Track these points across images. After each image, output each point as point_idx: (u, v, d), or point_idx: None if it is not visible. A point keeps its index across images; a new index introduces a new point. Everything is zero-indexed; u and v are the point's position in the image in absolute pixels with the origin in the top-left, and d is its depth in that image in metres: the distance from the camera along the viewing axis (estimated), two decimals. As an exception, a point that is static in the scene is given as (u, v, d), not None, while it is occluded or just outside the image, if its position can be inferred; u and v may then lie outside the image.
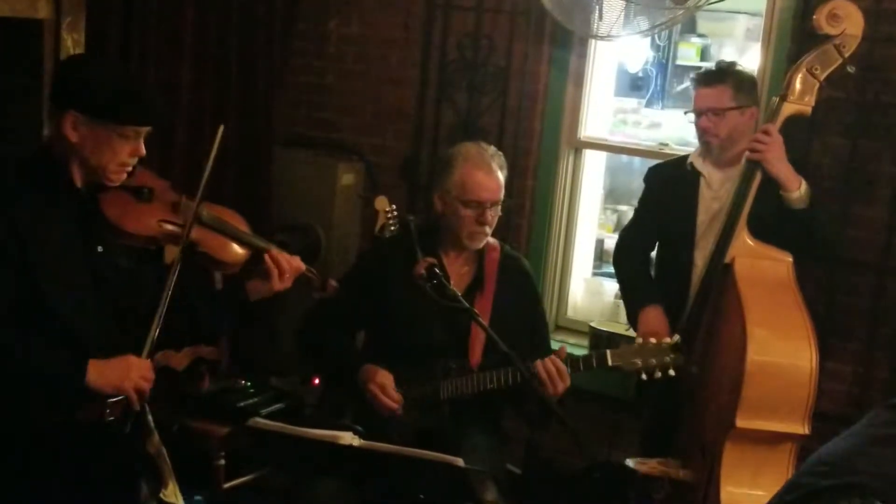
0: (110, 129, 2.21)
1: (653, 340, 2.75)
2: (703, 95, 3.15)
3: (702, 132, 3.17)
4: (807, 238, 2.97)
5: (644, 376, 2.75)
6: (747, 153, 2.95)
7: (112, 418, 2.29)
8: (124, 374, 2.23)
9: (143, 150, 2.29)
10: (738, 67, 3.20)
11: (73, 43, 3.52)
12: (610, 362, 2.75)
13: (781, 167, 2.91)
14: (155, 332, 2.31)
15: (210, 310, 2.56)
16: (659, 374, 2.73)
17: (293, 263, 2.54)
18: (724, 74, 3.15)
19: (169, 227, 2.40)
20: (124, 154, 2.25)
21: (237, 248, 2.52)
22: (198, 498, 3.66)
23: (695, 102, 3.19)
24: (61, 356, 2.21)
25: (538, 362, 2.73)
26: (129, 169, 2.30)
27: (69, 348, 2.22)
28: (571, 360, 2.78)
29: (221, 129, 2.52)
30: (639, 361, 2.72)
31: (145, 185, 2.39)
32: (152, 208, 2.40)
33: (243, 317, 2.62)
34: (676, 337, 2.78)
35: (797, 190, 2.92)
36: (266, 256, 2.51)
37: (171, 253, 2.45)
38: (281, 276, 2.51)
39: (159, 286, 2.34)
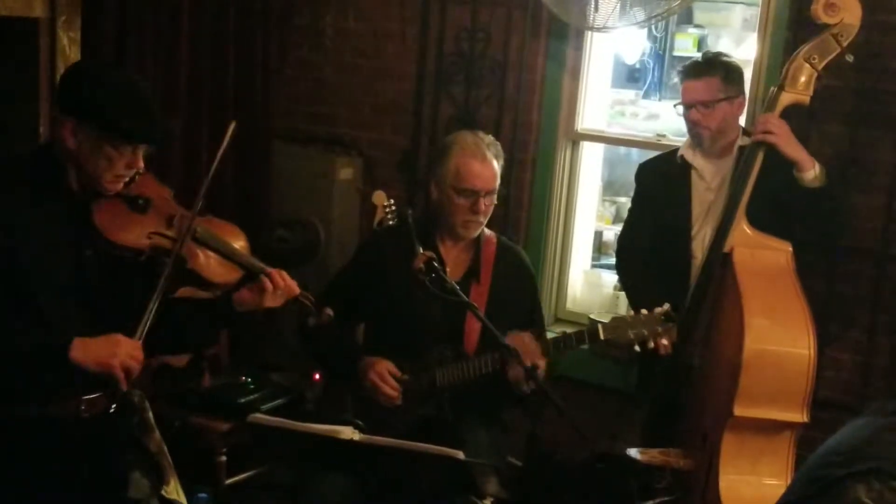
0: (107, 141, 2.18)
1: (644, 311, 2.74)
2: (691, 88, 3.14)
3: (692, 125, 3.16)
4: (826, 216, 2.96)
5: (637, 348, 2.75)
6: (758, 136, 2.90)
7: (87, 416, 2.26)
8: (111, 351, 2.12)
9: (141, 164, 2.26)
10: (724, 58, 3.20)
11: (68, 41, 3.52)
12: (602, 335, 2.75)
13: (795, 148, 2.90)
14: (149, 316, 2.20)
15: (195, 325, 2.47)
16: (652, 345, 2.73)
17: (289, 285, 2.43)
18: (712, 66, 3.14)
19: (159, 240, 2.31)
20: (120, 167, 2.22)
21: (230, 269, 2.42)
22: (202, 496, 3.67)
23: (683, 95, 3.17)
24: (43, 335, 2.16)
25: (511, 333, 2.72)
26: (126, 180, 2.26)
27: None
28: (564, 338, 2.78)
29: (233, 125, 2.44)
30: (630, 333, 2.72)
31: (142, 195, 2.32)
32: (145, 219, 2.32)
33: (230, 327, 2.54)
34: (667, 306, 2.77)
35: (812, 169, 2.90)
36: (262, 277, 2.40)
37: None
38: (273, 295, 2.41)
39: (144, 299, 2.24)
